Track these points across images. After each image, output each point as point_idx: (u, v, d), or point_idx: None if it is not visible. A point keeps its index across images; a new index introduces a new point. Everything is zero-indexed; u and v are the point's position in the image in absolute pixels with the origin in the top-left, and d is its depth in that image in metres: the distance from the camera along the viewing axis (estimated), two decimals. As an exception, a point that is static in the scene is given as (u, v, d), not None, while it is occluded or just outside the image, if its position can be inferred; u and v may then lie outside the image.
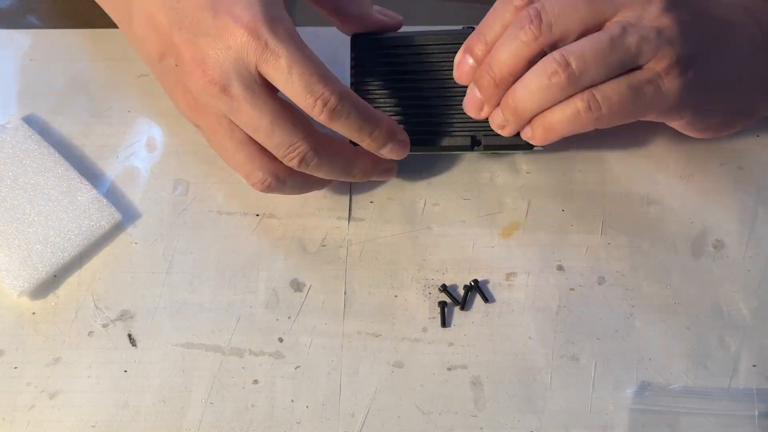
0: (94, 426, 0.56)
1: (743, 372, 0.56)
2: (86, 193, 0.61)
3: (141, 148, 0.64)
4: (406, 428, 0.55)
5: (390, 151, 0.56)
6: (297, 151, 0.54)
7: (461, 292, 0.59)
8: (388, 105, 0.58)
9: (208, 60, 0.52)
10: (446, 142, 0.58)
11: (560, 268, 0.59)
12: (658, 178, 0.62)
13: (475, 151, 0.58)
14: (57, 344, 0.58)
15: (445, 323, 0.58)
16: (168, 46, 0.55)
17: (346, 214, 0.61)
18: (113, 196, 0.62)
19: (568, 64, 0.51)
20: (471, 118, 0.56)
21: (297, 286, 0.59)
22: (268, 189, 0.57)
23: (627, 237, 0.60)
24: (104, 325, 0.58)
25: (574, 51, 0.51)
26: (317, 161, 0.55)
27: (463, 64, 0.55)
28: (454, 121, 0.58)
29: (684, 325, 0.57)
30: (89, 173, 0.62)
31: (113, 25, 0.61)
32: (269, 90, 0.53)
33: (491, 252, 0.60)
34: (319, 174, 0.56)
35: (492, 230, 0.61)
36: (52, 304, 0.59)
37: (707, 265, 0.59)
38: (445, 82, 0.58)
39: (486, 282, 0.59)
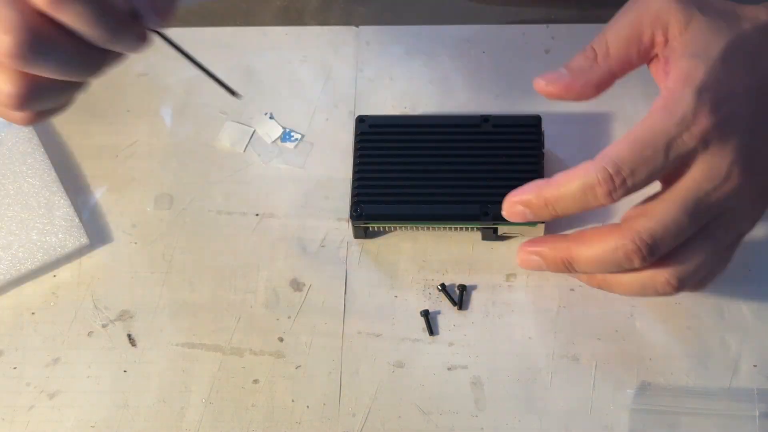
0: (94, 426, 0.56)
1: (744, 372, 0.56)
2: (62, 209, 0.60)
3: (141, 148, 0.64)
4: (407, 428, 0.55)
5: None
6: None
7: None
8: (393, 182, 0.59)
9: None
10: (454, 211, 0.58)
11: (560, 268, 0.59)
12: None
13: (481, 224, 0.58)
14: (56, 344, 0.58)
15: (432, 332, 0.58)
16: None
17: (346, 215, 0.61)
18: (112, 195, 0.62)
19: (682, 286, 0.50)
20: (479, 193, 0.57)
21: (297, 286, 0.59)
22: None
23: (627, 237, 0.60)
24: (104, 325, 0.58)
25: (691, 277, 0.50)
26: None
27: (518, 214, 0.51)
28: (462, 198, 0.58)
29: (684, 325, 0.57)
30: (88, 174, 0.62)
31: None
32: None
33: (491, 252, 0.60)
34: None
35: (492, 230, 0.61)
36: (52, 304, 0.59)
37: (707, 265, 0.59)
38: (451, 162, 0.59)
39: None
